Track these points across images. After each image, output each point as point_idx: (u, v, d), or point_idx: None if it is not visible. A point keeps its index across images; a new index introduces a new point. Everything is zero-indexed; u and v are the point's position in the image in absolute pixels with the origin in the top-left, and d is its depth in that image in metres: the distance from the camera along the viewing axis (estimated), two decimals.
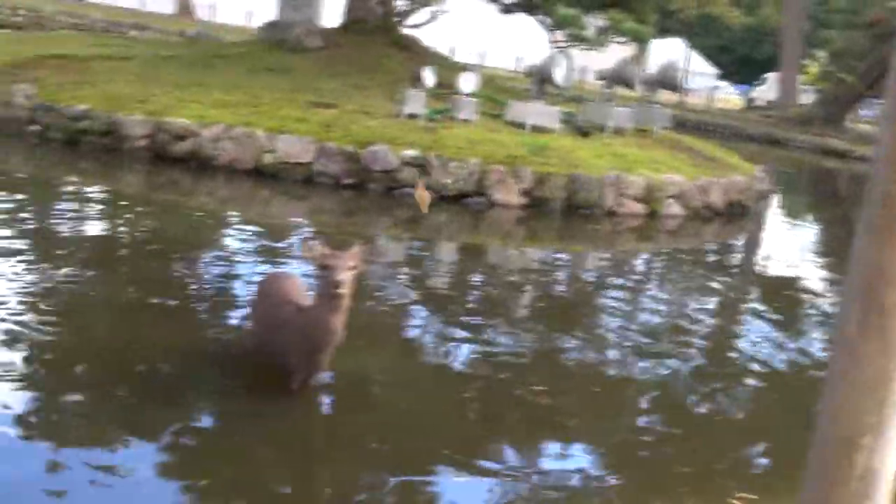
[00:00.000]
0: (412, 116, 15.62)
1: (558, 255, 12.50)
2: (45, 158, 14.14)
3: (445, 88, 17.13)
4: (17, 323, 6.62)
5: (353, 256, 5.43)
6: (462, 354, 7.37)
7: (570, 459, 5.69)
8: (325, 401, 6.03)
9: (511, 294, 9.92)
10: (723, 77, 76.83)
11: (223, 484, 4.78)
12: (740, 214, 16.99)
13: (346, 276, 5.32)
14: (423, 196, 5.42)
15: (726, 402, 7.20)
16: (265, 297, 6.20)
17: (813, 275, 13.38)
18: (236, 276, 8.81)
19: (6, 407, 5.29)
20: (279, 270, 7.21)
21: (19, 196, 11.04)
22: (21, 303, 7.08)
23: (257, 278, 8.39)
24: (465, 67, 19.68)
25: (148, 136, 14.31)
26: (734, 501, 5.31)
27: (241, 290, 8.31)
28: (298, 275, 6.83)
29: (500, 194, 14.09)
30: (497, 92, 20.39)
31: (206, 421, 5.61)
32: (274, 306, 5.97)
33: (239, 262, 9.41)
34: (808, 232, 19.48)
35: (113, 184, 13.09)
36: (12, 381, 5.66)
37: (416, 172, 13.79)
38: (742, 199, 17.05)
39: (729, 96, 68.33)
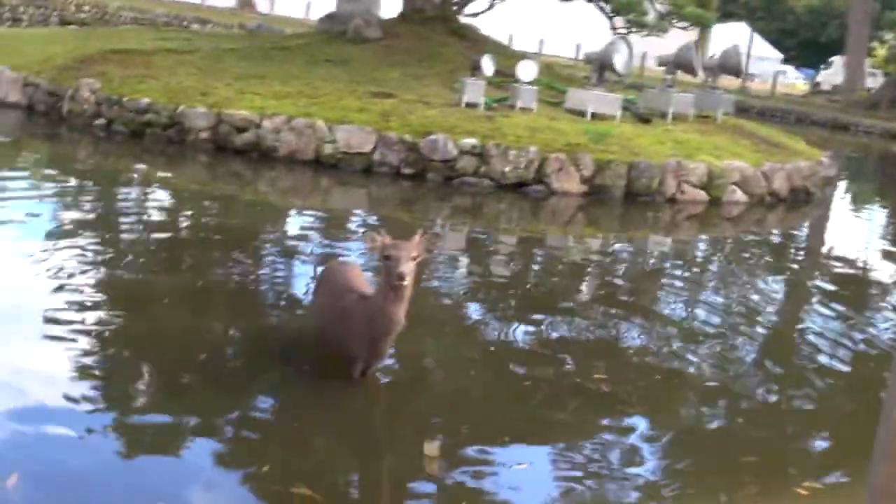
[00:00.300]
0: (471, 105, 15.59)
1: (619, 243, 12.42)
2: (111, 151, 14.38)
3: (504, 77, 17.09)
4: (80, 311, 6.74)
5: (415, 246, 5.41)
6: (522, 341, 7.36)
7: (631, 447, 5.65)
8: (386, 387, 6.05)
9: (571, 281, 9.87)
10: (787, 61, 75.61)
11: (284, 471, 4.81)
12: (805, 201, 16.72)
13: (408, 268, 5.30)
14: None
15: (791, 391, 7.09)
16: (327, 286, 6.23)
17: (880, 262, 13.14)
18: (297, 266, 8.89)
19: (70, 397, 5.39)
20: (341, 259, 7.24)
21: (86, 187, 11.24)
22: (85, 291, 7.20)
23: (318, 267, 8.45)
24: (523, 55, 19.59)
25: (210, 127, 14.46)
26: (800, 491, 5.23)
27: (302, 278, 8.38)
28: (359, 264, 6.85)
29: (559, 182, 14.02)
30: (556, 80, 20.28)
31: (267, 408, 5.66)
32: (336, 295, 5.99)
33: (300, 251, 9.49)
34: (876, 218, 19.11)
35: (176, 175, 13.27)
36: (76, 369, 5.76)
37: (476, 163, 13.79)
38: (807, 185, 16.77)
39: (793, 81, 67.29)
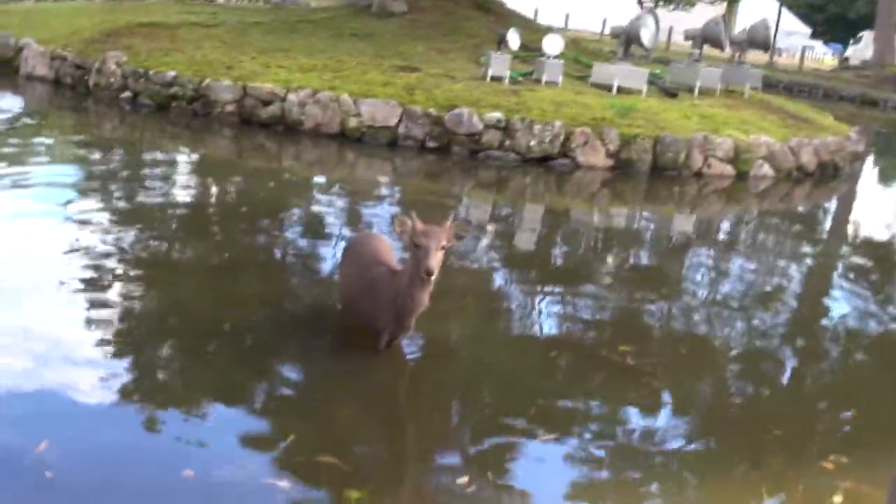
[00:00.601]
0: (496, 79, 15.54)
1: (644, 217, 12.37)
2: (137, 123, 14.44)
3: (530, 51, 17.00)
4: (106, 282, 6.80)
5: (444, 234, 5.36)
6: (548, 315, 7.36)
7: (656, 420, 5.64)
8: (412, 360, 6.06)
9: (596, 255, 9.85)
10: (815, 36, 74.78)
11: (310, 441, 4.83)
12: (833, 176, 16.57)
13: (436, 260, 5.26)
14: None
15: (816, 365, 7.07)
16: (354, 258, 6.22)
17: None
18: (323, 238, 8.91)
19: (96, 367, 5.43)
20: (367, 231, 7.22)
21: (113, 159, 11.29)
22: (111, 263, 7.25)
23: (343, 240, 8.47)
24: (549, 29, 19.49)
25: (235, 101, 14.49)
26: (826, 465, 5.22)
27: (328, 250, 8.40)
28: (385, 236, 6.82)
29: (584, 156, 13.96)
30: (582, 54, 20.17)
31: (292, 379, 5.69)
32: (363, 267, 5.99)
33: (325, 223, 9.51)
34: None
35: (202, 148, 13.32)
36: (102, 339, 5.81)
37: (501, 137, 13.76)
38: (834, 160, 16.62)
39: (821, 56, 66.58)
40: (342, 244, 8.32)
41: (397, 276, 5.69)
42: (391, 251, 6.25)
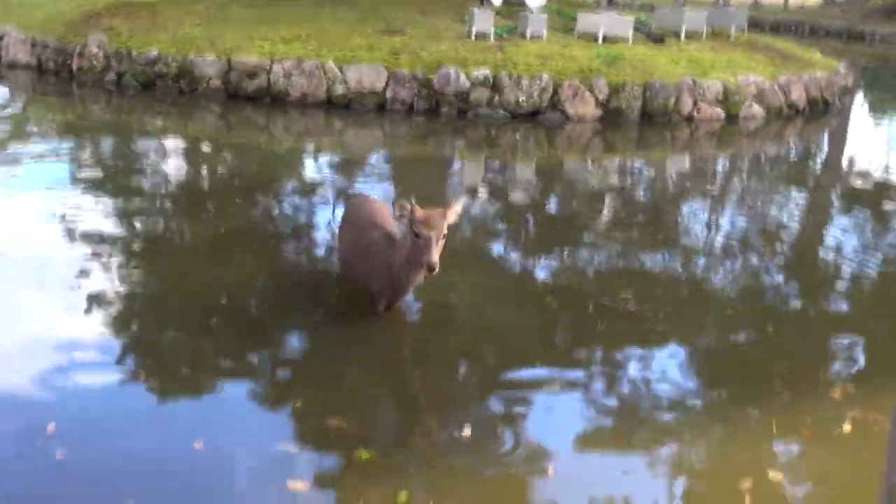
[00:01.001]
0: (480, 36, 15.44)
1: (638, 165, 12.34)
2: (123, 104, 14.36)
3: (512, 6, 16.90)
4: (104, 260, 6.79)
5: (445, 220, 5.26)
6: (546, 267, 7.37)
7: (662, 362, 5.66)
8: (413, 321, 6.07)
9: (591, 206, 9.84)
10: None
11: (316, 405, 4.85)
12: (823, 112, 16.54)
13: (438, 251, 5.16)
14: None
15: (816, 301, 7.09)
16: (351, 221, 6.21)
17: None
18: (317, 207, 8.89)
19: (100, 344, 5.45)
20: (364, 194, 7.14)
21: (102, 141, 11.24)
22: (108, 241, 7.25)
23: (337, 207, 8.47)
24: None
25: (220, 75, 14.41)
26: (833, 395, 5.25)
27: (322, 219, 8.40)
28: (380, 200, 6.76)
29: (574, 108, 13.92)
30: (565, 5, 20.02)
31: (295, 346, 5.71)
32: (358, 231, 5.98)
33: (319, 192, 9.49)
34: (895, 128, 18.88)
35: (190, 124, 13.26)
36: (104, 318, 5.81)
37: (489, 94, 13.70)
38: (824, 95, 16.58)
39: None
40: (338, 210, 8.34)
41: (394, 244, 5.64)
42: (388, 214, 6.23)
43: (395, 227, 5.90)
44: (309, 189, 9.62)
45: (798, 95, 15.84)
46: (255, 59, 14.35)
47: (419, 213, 5.23)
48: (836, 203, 10.81)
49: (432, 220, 5.21)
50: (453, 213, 5.36)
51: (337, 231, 6.54)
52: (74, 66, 15.61)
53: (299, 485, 4.10)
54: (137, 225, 7.82)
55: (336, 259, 6.50)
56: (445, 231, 5.24)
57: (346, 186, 9.85)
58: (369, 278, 5.80)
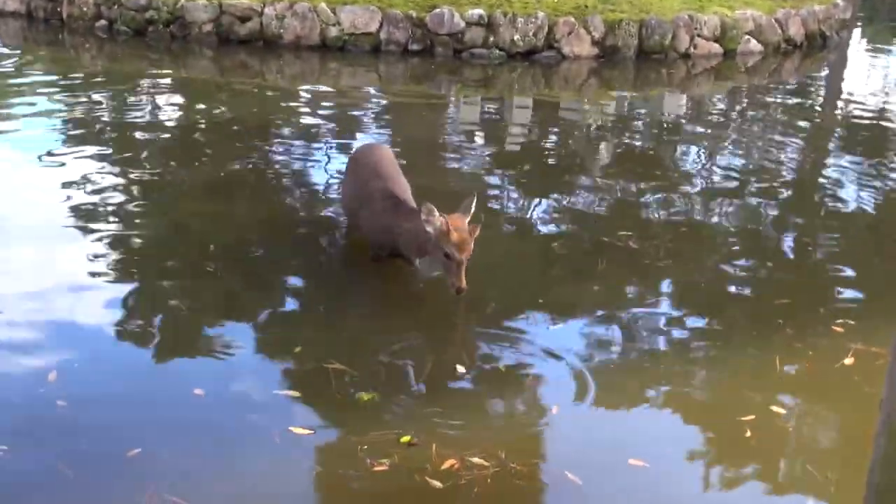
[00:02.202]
0: None
1: (634, 104, 12.26)
2: (115, 52, 14.20)
3: None
4: (102, 210, 6.76)
5: (474, 237, 5.07)
6: (545, 208, 7.34)
7: (664, 299, 5.67)
8: (414, 268, 6.01)
9: (589, 145, 9.80)
10: None
11: (317, 350, 4.84)
12: (821, 46, 16.40)
13: (464, 279, 5.01)
14: None
15: (815, 238, 7.08)
16: (355, 168, 6.07)
17: None
18: (315, 152, 8.84)
19: (100, 294, 5.43)
20: (371, 143, 6.81)
21: (96, 90, 11.15)
22: (105, 191, 7.20)
23: (333, 151, 8.44)
24: None
25: (212, 20, 14.21)
26: (835, 328, 5.26)
27: (320, 165, 8.36)
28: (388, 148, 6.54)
29: (570, 46, 13.79)
30: None
31: (294, 293, 5.67)
32: (362, 180, 5.85)
33: (315, 137, 9.43)
34: (894, 61, 18.74)
35: (184, 70, 13.14)
36: (103, 267, 5.80)
37: (484, 34, 13.57)
38: (822, 29, 16.42)
39: None
40: (335, 154, 8.31)
41: (399, 209, 5.47)
42: (395, 163, 6.10)
43: (404, 190, 5.76)
44: (306, 133, 9.55)
45: (796, 30, 15.68)
46: (247, 1, 14.17)
47: (454, 234, 5.01)
48: (835, 139, 10.76)
49: (466, 245, 5.03)
50: (477, 231, 5.16)
51: (343, 176, 6.42)
52: (64, 14, 15.39)
53: (302, 430, 4.11)
54: (133, 174, 7.76)
55: (341, 204, 6.45)
56: (472, 250, 5.07)
57: (343, 131, 9.78)
58: (369, 231, 5.76)
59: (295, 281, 5.77)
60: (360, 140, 9.32)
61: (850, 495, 3.61)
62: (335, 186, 7.55)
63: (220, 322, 5.20)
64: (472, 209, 5.27)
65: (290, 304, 5.52)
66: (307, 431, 4.10)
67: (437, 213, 5.05)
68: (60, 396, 4.29)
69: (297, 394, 4.43)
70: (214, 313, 5.31)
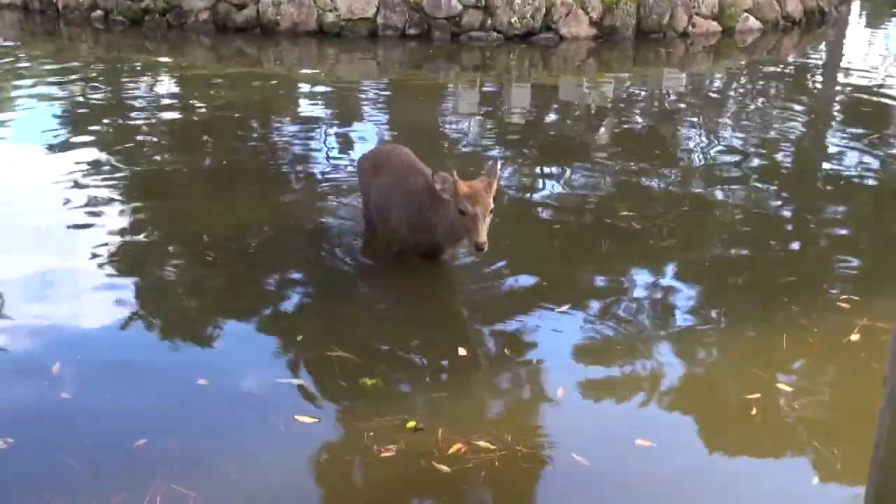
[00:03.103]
0: None
1: (633, 84, 12.21)
2: (113, 41, 14.17)
3: None
4: (103, 199, 6.74)
5: (491, 192, 4.98)
6: (547, 189, 7.32)
7: (669, 277, 5.64)
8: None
9: (589, 126, 9.76)
10: None
11: (318, 338, 4.82)
12: (819, 22, 16.34)
13: (485, 231, 4.90)
14: None
15: (818, 215, 7.05)
16: (386, 164, 5.81)
17: None
18: (314, 139, 8.81)
19: (101, 284, 5.41)
20: (392, 144, 6.46)
21: (94, 80, 11.11)
22: (106, 180, 7.18)
23: (333, 140, 8.42)
24: None
25: (208, 7, 14.17)
26: (842, 304, 5.24)
27: (320, 151, 8.34)
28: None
29: (568, 28, 13.75)
30: None
31: (296, 280, 5.62)
32: (397, 173, 5.65)
33: (314, 125, 9.40)
34: (893, 35, 18.66)
35: (182, 59, 13.09)
36: (104, 258, 5.78)
37: (481, 17, 13.51)
38: (821, 5, 16.36)
39: None
40: (335, 142, 8.28)
41: (436, 198, 5.22)
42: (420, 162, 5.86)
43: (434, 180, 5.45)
44: (306, 120, 9.53)
45: (794, 7, 15.63)
46: None
47: (464, 187, 4.94)
48: (836, 115, 10.72)
49: (479, 196, 4.93)
50: (494, 185, 5.06)
51: (363, 173, 6.10)
52: (60, 4, 15.34)
53: (307, 418, 4.09)
54: (135, 164, 7.74)
55: (362, 202, 6.21)
56: (492, 205, 4.99)
57: (341, 116, 9.75)
58: (405, 229, 5.54)
59: (296, 269, 5.73)
60: (360, 126, 9.32)
61: (856, 472, 3.59)
62: (335, 173, 7.54)
63: (222, 311, 5.17)
64: (497, 173, 5.15)
65: (292, 293, 5.46)
66: (312, 419, 4.08)
67: (450, 177, 5.00)
68: (64, 388, 4.28)
69: (300, 382, 4.41)
70: (215, 302, 5.28)
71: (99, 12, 14.89)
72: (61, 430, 4.00)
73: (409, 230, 5.51)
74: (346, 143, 8.71)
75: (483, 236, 4.89)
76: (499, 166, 5.23)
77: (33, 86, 10.77)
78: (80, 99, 10.06)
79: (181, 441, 3.94)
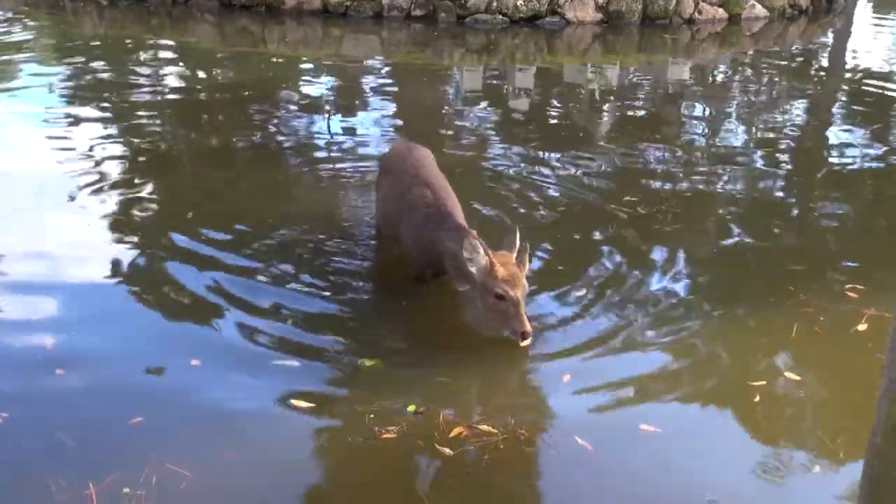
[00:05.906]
0: None
1: (638, 70, 12.13)
2: (117, 18, 14.08)
3: None
4: (105, 179, 6.69)
5: (524, 269, 4.53)
6: (550, 175, 7.25)
7: (674, 264, 5.59)
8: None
9: (592, 112, 9.69)
10: None
11: (316, 319, 4.76)
12: (826, 10, 16.23)
13: (526, 320, 4.37)
14: None
15: (822, 203, 7.00)
16: (392, 169, 5.46)
17: None
18: (318, 119, 8.75)
19: (106, 267, 5.35)
20: (410, 144, 6.25)
21: (99, 57, 11.04)
22: (108, 159, 7.13)
23: (338, 121, 8.37)
24: None
25: None
26: (849, 293, 5.18)
27: (324, 134, 8.28)
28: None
29: (573, 12, 13.66)
30: None
31: (290, 262, 5.47)
32: (403, 184, 5.24)
33: (319, 105, 9.34)
34: None
35: (186, 36, 13.02)
36: (107, 238, 5.73)
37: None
38: None
39: None
40: (339, 123, 8.23)
41: (443, 224, 4.86)
42: (434, 164, 5.56)
43: (450, 199, 5.13)
44: (311, 100, 9.47)
45: None
46: None
47: (502, 271, 4.42)
48: (840, 103, 10.65)
49: (517, 279, 4.42)
50: (527, 263, 4.62)
51: (378, 174, 5.84)
52: None
53: (304, 401, 4.03)
54: (138, 142, 7.68)
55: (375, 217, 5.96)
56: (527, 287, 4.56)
57: (348, 98, 9.69)
58: (412, 247, 5.15)
59: (295, 251, 5.63)
60: (361, 106, 9.25)
61: (858, 461, 3.54)
62: (338, 155, 7.49)
63: (219, 292, 5.07)
64: (517, 244, 4.67)
65: (288, 275, 5.33)
66: (310, 402, 4.02)
67: (481, 250, 4.47)
68: (59, 364, 4.22)
69: (297, 364, 4.34)
70: (213, 283, 5.19)
71: None
72: (56, 406, 3.95)
73: (415, 250, 5.12)
74: (347, 124, 8.64)
75: (528, 325, 4.37)
76: (517, 237, 4.72)
77: (37, 60, 10.69)
78: (85, 76, 9.99)
79: (177, 420, 3.89)
